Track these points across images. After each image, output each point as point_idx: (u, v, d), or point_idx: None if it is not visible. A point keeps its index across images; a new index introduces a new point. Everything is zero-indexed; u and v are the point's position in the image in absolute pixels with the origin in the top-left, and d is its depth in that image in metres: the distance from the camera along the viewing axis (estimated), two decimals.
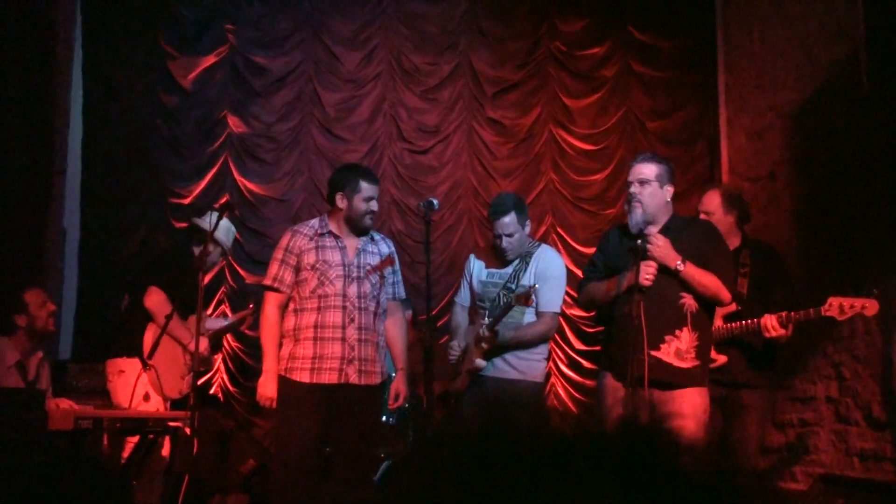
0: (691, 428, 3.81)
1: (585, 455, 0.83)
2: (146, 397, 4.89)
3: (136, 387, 4.75)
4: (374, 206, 4.32)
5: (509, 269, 4.65)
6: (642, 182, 4.06)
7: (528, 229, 4.70)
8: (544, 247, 4.83)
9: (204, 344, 4.92)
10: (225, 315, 6.56)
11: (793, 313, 4.47)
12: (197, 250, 5.11)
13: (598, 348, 5.99)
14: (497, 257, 4.71)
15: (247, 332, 5.68)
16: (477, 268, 4.79)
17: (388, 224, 7.74)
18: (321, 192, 7.45)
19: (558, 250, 6.62)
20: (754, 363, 4.58)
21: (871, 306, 4.36)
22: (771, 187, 7.27)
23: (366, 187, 4.31)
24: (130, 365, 4.93)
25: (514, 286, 4.55)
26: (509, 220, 4.55)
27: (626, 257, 4.05)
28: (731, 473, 0.88)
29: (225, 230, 5.27)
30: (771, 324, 4.46)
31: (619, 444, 0.86)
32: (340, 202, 4.33)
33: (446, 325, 6.10)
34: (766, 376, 4.57)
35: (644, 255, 3.95)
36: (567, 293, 6.14)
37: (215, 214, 5.08)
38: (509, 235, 4.58)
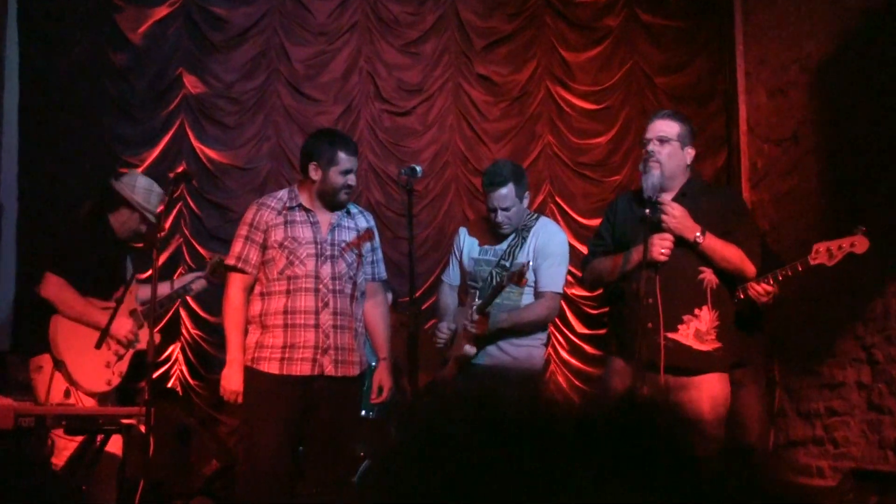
0: (709, 419, 3.86)
1: (580, 434, 0.84)
2: (67, 394, 4.85)
3: (50, 384, 4.74)
4: (351, 179, 4.32)
5: (504, 245, 4.68)
6: (662, 140, 4.11)
7: (526, 202, 4.73)
8: (544, 219, 4.85)
9: (127, 324, 4.93)
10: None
11: (779, 272, 4.63)
12: (115, 218, 5.10)
13: (603, 332, 5.88)
14: (491, 232, 4.73)
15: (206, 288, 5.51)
16: (468, 244, 4.82)
17: (366, 195, 7.74)
18: (290, 160, 7.55)
19: (557, 222, 6.44)
20: (744, 340, 4.70)
21: (860, 243, 4.48)
22: (794, 150, 7.28)
23: (344, 159, 4.31)
24: (47, 361, 4.90)
25: (508, 264, 4.58)
26: (507, 191, 4.58)
27: (637, 228, 4.07)
28: (741, 459, 0.89)
29: (144, 191, 5.17)
30: (761, 290, 4.65)
31: (617, 421, 0.87)
32: (314, 173, 4.34)
33: (432, 308, 6.13)
34: (758, 349, 4.72)
35: (658, 225, 3.98)
36: (569, 271, 6.14)
37: (139, 176, 5.09)
38: (506, 209, 4.60)
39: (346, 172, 4.30)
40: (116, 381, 4.90)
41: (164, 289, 5.31)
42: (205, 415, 7.21)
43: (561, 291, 4.71)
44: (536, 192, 7.96)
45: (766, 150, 7.68)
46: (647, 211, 3.95)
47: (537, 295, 4.62)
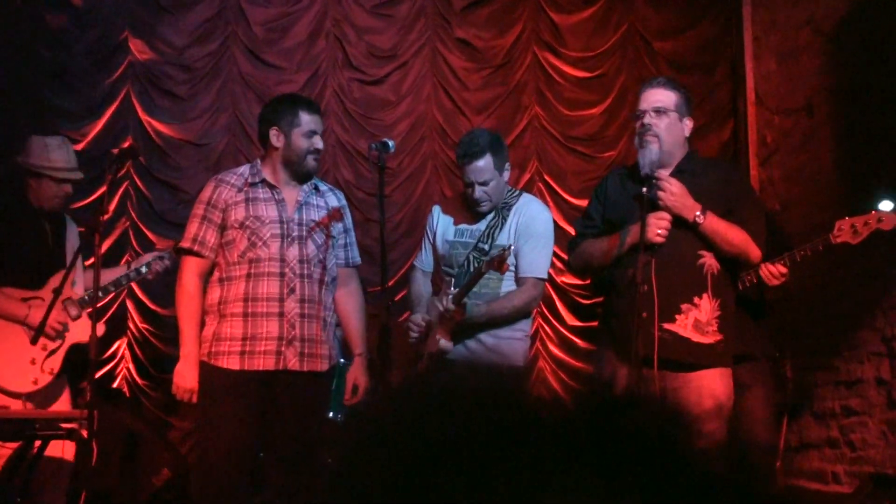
0: (711, 418, 3.88)
1: (564, 435, 0.85)
2: None
3: None
4: (317, 142, 4.34)
5: (482, 226, 4.68)
6: (658, 111, 4.13)
7: (507, 176, 4.72)
8: (527, 197, 4.85)
9: (54, 314, 4.88)
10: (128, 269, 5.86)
11: (796, 252, 4.65)
12: (32, 195, 5.10)
13: (595, 324, 6.06)
14: (468, 210, 4.73)
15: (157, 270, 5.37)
16: (442, 223, 4.82)
17: (333, 172, 7.73)
18: (248, 134, 7.50)
19: (546, 203, 6.55)
20: (748, 328, 4.71)
21: (888, 219, 4.52)
22: (807, 122, 7.30)
23: (307, 119, 4.33)
24: None
25: (487, 246, 4.59)
26: (484, 163, 4.57)
27: (631, 207, 4.10)
28: (747, 472, 0.91)
29: (38, 151, 5.15)
30: (775, 270, 4.68)
31: (606, 422, 0.89)
32: (276, 140, 4.35)
33: (406, 298, 6.02)
34: (765, 342, 4.72)
35: (654, 204, 3.99)
36: (556, 255, 6.29)
37: (32, 138, 5.06)
38: (483, 183, 4.59)
39: (311, 134, 4.31)
40: (46, 379, 4.86)
41: (114, 274, 5.27)
42: (155, 418, 7.18)
43: (545, 277, 4.72)
44: (523, 169, 8.03)
45: (776, 123, 7.71)
46: (645, 189, 3.97)
47: (518, 281, 4.63)
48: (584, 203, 6.79)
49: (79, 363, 4.95)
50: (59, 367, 4.93)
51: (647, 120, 4.12)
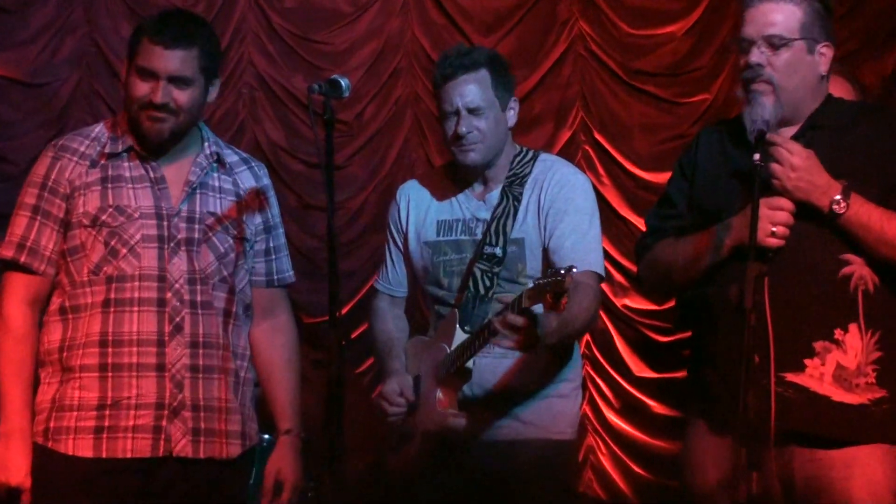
0: None
1: None
2: None
3: None
4: (157, 91, 3.65)
5: (483, 212, 4.10)
6: (774, 42, 3.49)
7: (512, 118, 4.09)
8: (547, 159, 4.22)
9: None
10: None
11: None
12: None
13: (680, 375, 5.94)
14: (456, 177, 4.19)
15: None
16: (416, 215, 4.23)
17: (252, 130, 7.10)
18: (114, 69, 6.78)
19: (597, 176, 6.75)
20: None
21: None
22: None
23: (146, 49, 3.65)
24: None
25: (499, 249, 4.02)
26: (476, 82, 3.99)
27: (734, 188, 3.52)
28: None
29: None
30: None
31: None
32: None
33: (370, 339, 5.05)
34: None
35: (768, 184, 3.38)
36: (610, 260, 6.43)
37: None
38: (474, 112, 3.95)
39: (147, 74, 3.65)
40: None
41: None
42: None
43: (602, 272, 4.05)
44: (559, 123, 7.33)
45: None
46: (757, 157, 3.27)
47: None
48: (658, 179, 6.83)
49: None
50: None
51: (755, 58, 3.42)
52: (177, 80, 3.68)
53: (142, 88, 3.65)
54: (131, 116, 3.78)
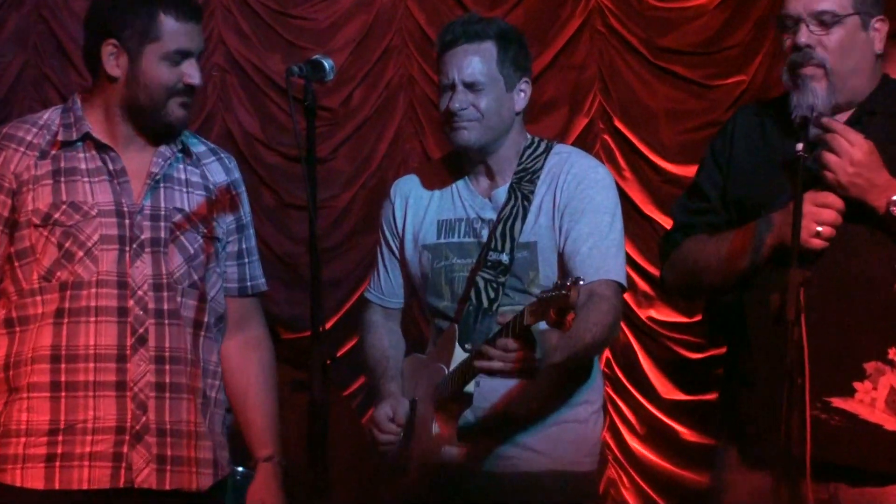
0: None
1: None
2: None
3: None
4: (191, 72, 3.61)
5: (489, 212, 3.96)
6: (825, 19, 3.46)
7: (521, 101, 3.95)
8: (563, 150, 4.08)
9: None
10: None
11: None
12: None
13: (711, 397, 6.15)
14: (458, 170, 4.06)
15: None
16: (414, 209, 4.11)
17: (223, 119, 7.11)
18: (64, 49, 6.88)
19: (618, 168, 6.83)
20: None
21: None
22: None
23: (172, 28, 3.59)
24: None
25: (505, 256, 3.87)
26: (480, 54, 3.89)
27: (775, 180, 3.49)
28: None
29: None
30: None
31: None
32: (113, 64, 3.63)
33: (357, 354, 5.22)
34: None
35: (816, 176, 3.36)
36: (632, 264, 6.49)
37: None
38: (473, 87, 3.85)
39: (180, 56, 3.60)
40: None
41: None
42: None
43: (624, 282, 3.89)
44: (574, 108, 7.26)
45: None
46: (800, 146, 3.22)
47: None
48: (687, 172, 6.72)
49: None
50: None
51: (804, 38, 3.40)
52: (196, 55, 3.66)
53: (172, 74, 3.56)
54: (143, 102, 3.62)
